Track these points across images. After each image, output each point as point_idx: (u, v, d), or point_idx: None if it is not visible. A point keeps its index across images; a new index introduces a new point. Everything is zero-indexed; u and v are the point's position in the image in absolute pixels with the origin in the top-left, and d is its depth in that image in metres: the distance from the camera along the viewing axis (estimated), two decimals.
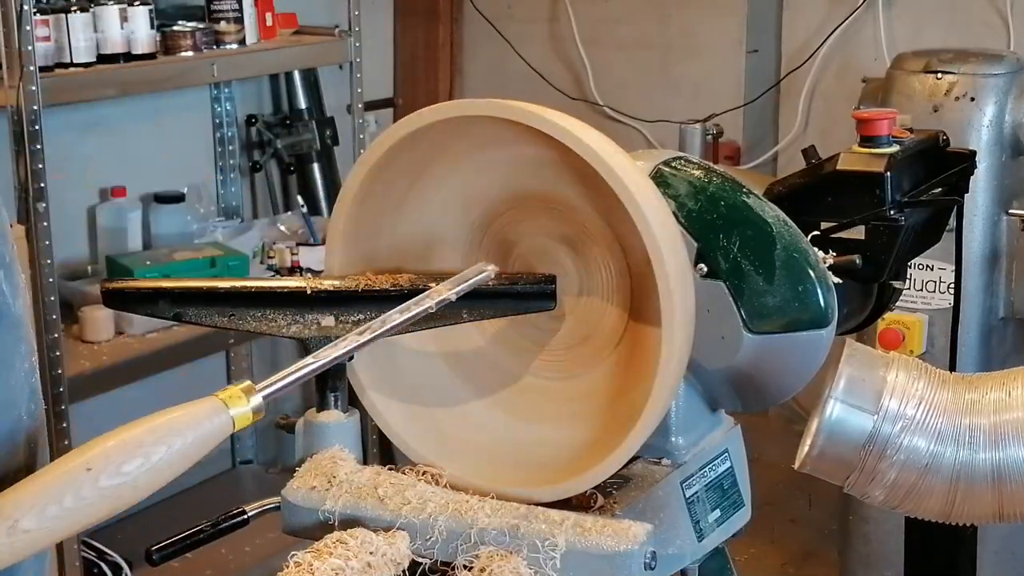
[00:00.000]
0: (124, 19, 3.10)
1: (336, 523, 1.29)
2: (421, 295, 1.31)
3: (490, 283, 1.36)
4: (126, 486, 0.97)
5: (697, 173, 1.44)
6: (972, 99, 2.75)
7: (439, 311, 1.34)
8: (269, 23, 3.54)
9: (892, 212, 1.58)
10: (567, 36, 4.20)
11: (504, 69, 4.30)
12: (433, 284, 1.36)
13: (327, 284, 1.38)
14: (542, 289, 1.38)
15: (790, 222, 1.43)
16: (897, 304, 1.95)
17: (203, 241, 3.55)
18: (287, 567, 1.17)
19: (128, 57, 3.11)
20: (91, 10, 3.05)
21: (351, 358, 1.37)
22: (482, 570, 1.20)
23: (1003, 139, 2.77)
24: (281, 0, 3.60)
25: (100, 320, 3.12)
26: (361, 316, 1.35)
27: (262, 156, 3.94)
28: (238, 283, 1.41)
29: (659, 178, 1.42)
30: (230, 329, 1.40)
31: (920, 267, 2.77)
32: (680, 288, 1.25)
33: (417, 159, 1.38)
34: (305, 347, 1.36)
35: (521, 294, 1.38)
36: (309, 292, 1.37)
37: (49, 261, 2.85)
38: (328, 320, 1.36)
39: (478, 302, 1.37)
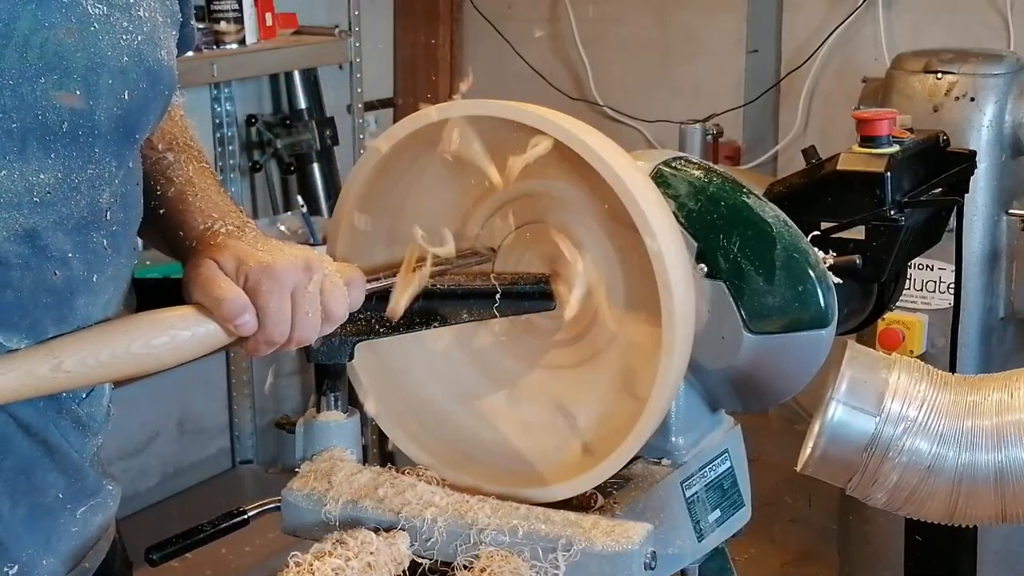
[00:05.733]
0: None
1: (336, 523, 1.29)
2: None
3: (490, 283, 1.37)
4: (151, 356, 1.12)
5: (697, 173, 1.44)
6: (972, 99, 2.74)
7: (439, 311, 1.35)
8: (269, 23, 3.54)
9: (892, 212, 1.58)
10: (567, 36, 4.20)
11: (504, 69, 4.30)
12: (433, 282, 1.36)
13: None
14: (542, 289, 1.38)
15: (790, 222, 1.43)
16: (897, 304, 1.95)
17: None
18: (287, 567, 1.17)
19: None
20: None
21: (351, 357, 1.38)
22: (482, 570, 1.20)
23: (1003, 139, 2.77)
24: (281, 0, 3.60)
25: None
26: (362, 316, 1.35)
27: (262, 156, 3.94)
28: None
29: (659, 178, 1.42)
30: None
31: (920, 267, 2.77)
32: (680, 288, 1.25)
33: (418, 159, 1.38)
34: (306, 347, 1.36)
35: (521, 294, 1.38)
36: None
37: None
38: None
39: (478, 302, 1.37)
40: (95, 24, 1.07)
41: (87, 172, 1.10)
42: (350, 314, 1.27)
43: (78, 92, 1.06)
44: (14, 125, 1.03)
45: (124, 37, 1.09)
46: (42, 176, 1.06)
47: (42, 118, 1.04)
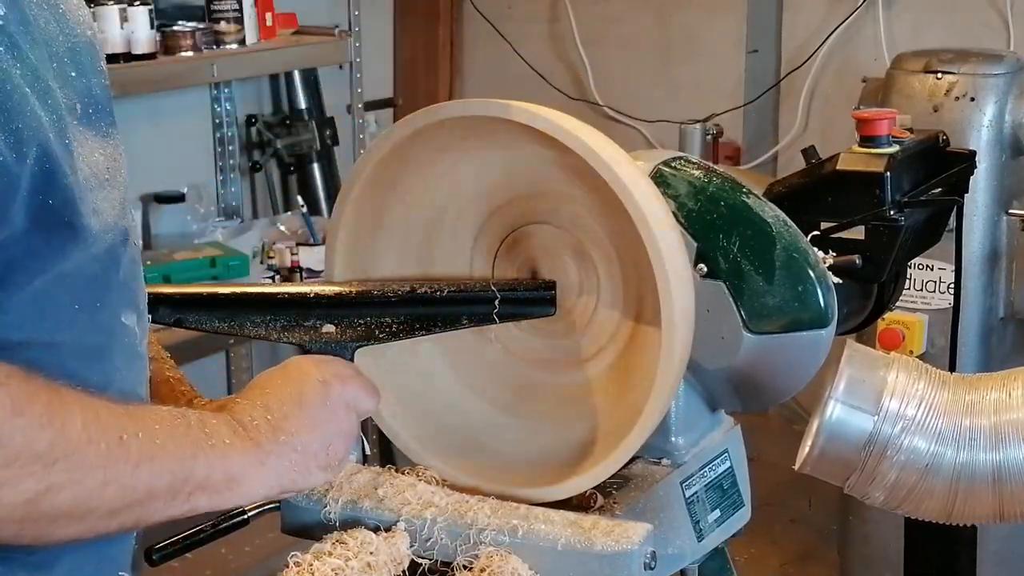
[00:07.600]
0: (124, 19, 3.10)
1: (336, 523, 1.29)
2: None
3: (489, 288, 1.37)
4: None
5: (697, 173, 1.44)
6: (972, 99, 2.74)
7: (439, 317, 1.35)
8: (269, 23, 3.54)
9: (892, 212, 1.58)
10: (567, 36, 4.20)
11: (504, 69, 4.30)
12: (433, 288, 1.36)
13: (329, 290, 1.38)
14: (542, 295, 1.38)
15: (790, 222, 1.43)
16: (897, 304, 1.95)
17: (203, 241, 3.55)
18: (287, 567, 1.17)
19: (128, 57, 3.11)
20: (91, 10, 3.04)
21: (351, 358, 1.38)
22: (482, 570, 1.20)
23: (1003, 139, 2.77)
24: (281, 0, 3.60)
25: None
26: (362, 322, 1.35)
27: (262, 156, 3.94)
28: (239, 289, 1.40)
29: (659, 178, 1.42)
30: (231, 335, 1.40)
31: (920, 267, 2.77)
32: (680, 288, 1.25)
33: (417, 159, 1.38)
34: (306, 353, 1.36)
35: (520, 299, 1.38)
36: (311, 298, 1.36)
37: None
38: (329, 327, 1.35)
39: (477, 307, 1.37)
40: (60, 6, 1.12)
41: (119, 150, 1.18)
42: (350, 319, 1.27)
43: (73, 74, 1.11)
44: (91, 111, 1.11)
45: (80, 12, 1.16)
46: (109, 151, 1.15)
47: (87, 96, 1.11)
